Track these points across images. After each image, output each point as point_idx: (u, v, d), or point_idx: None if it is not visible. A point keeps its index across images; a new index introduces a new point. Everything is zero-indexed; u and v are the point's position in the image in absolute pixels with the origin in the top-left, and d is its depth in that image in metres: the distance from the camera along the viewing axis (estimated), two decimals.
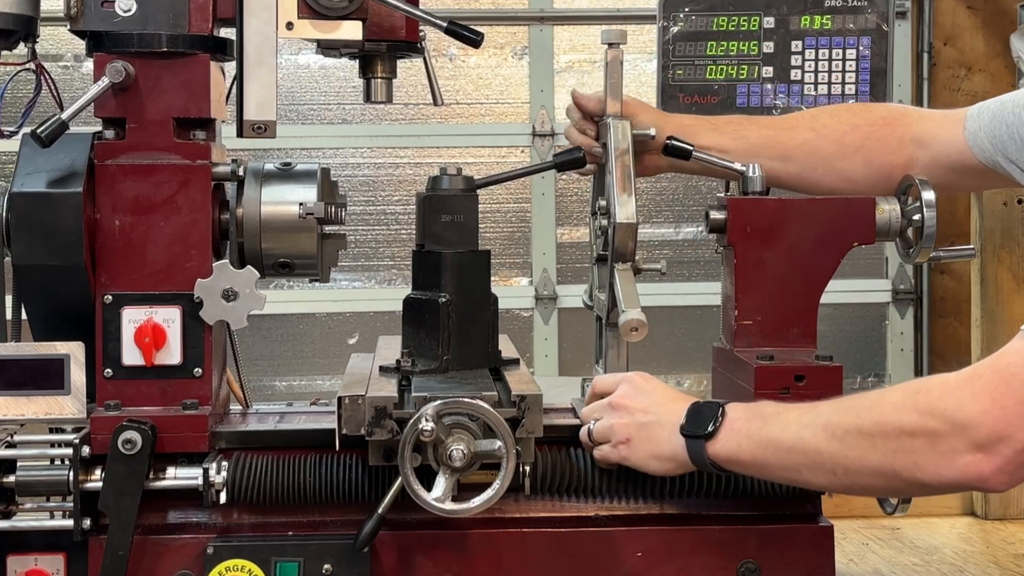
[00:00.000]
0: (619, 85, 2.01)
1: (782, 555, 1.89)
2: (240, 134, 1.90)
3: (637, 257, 1.95)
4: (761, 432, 1.71)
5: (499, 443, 1.75)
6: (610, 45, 2.00)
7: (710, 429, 1.74)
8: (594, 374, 2.11)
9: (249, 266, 1.92)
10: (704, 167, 2.09)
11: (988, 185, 2.18)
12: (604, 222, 1.98)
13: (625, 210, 1.90)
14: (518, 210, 5.20)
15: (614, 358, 1.99)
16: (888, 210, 2.03)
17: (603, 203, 1.99)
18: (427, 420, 1.73)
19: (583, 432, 1.88)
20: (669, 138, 2.10)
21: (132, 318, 1.89)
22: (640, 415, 1.82)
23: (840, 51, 2.03)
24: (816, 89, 2.04)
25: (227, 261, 1.92)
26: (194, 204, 1.90)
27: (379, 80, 2.06)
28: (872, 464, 1.59)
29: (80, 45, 1.98)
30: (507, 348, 2.10)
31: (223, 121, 2.02)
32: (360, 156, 5.19)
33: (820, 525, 1.92)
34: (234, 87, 1.92)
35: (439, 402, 1.75)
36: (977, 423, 1.50)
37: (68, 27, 1.90)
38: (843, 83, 2.04)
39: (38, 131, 1.82)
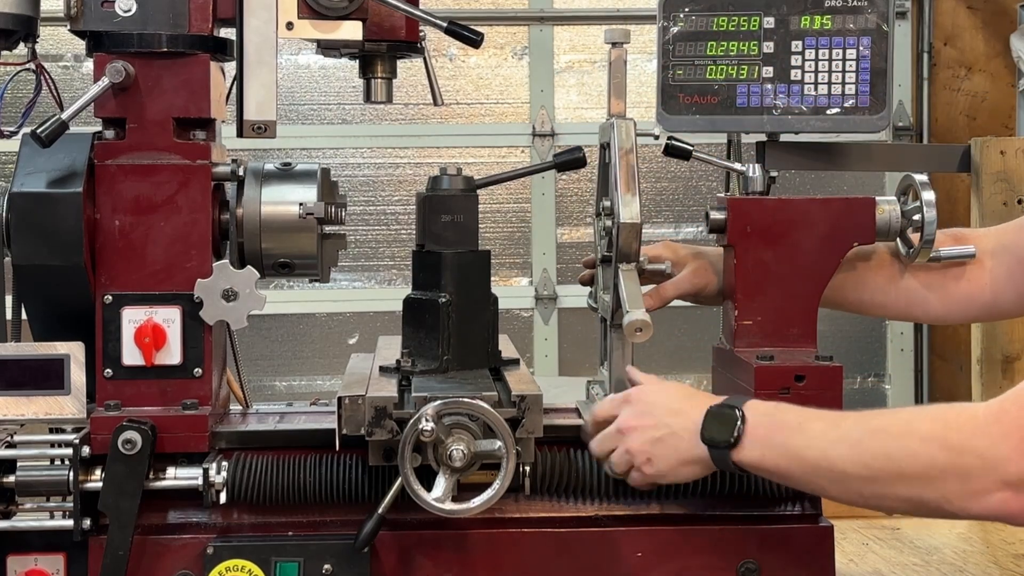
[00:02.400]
0: (623, 84, 2.00)
1: (782, 555, 1.89)
2: (240, 134, 1.89)
3: (642, 258, 1.95)
4: (786, 444, 1.69)
5: (499, 443, 1.75)
6: (613, 44, 2.00)
7: (732, 439, 1.72)
8: (599, 376, 2.11)
9: (249, 266, 1.91)
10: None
11: None
12: (608, 223, 1.98)
13: (629, 210, 1.90)
14: (518, 210, 5.20)
15: (619, 359, 1.98)
16: (888, 210, 2.03)
17: (607, 204, 1.99)
18: (427, 420, 1.73)
19: (607, 468, 1.86)
20: (670, 138, 2.10)
21: (132, 318, 1.89)
22: (652, 431, 1.79)
23: (840, 51, 2.03)
24: (816, 89, 2.03)
25: (227, 261, 1.92)
26: (194, 204, 1.90)
27: (379, 80, 2.06)
28: (900, 494, 1.59)
29: (80, 45, 1.98)
30: (507, 348, 2.10)
31: (223, 121, 2.02)
32: (360, 156, 5.19)
33: (820, 525, 1.92)
34: (234, 87, 1.92)
35: (439, 402, 1.75)
36: (1007, 461, 1.50)
37: (68, 27, 1.90)
38: (843, 83, 2.04)
39: (38, 131, 1.82)
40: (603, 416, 1.87)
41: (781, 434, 1.70)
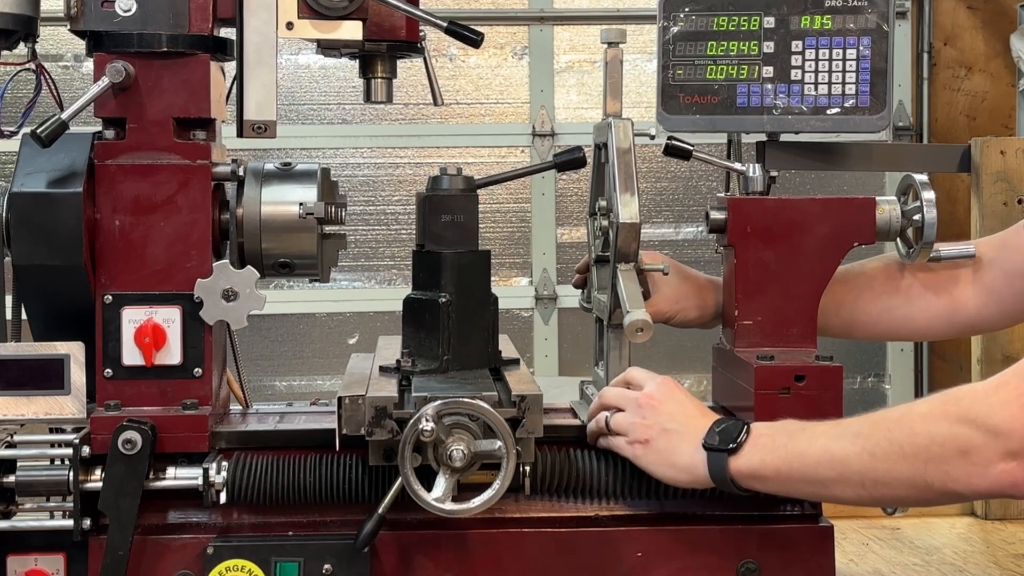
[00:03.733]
0: (619, 84, 2.01)
1: (782, 555, 1.89)
2: (240, 134, 1.89)
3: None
4: (787, 447, 1.70)
5: (499, 443, 1.75)
6: (609, 44, 2.00)
7: (734, 444, 1.73)
8: (594, 377, 2.10)
9: (249, 266, 1.91)
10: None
11: None
12: (604, 222, 1.98)
13: (628, 210, 1.90)
14: (518, 210, 5.20)
15: (616, 360, 1.98)
16: (888, 210, 2.03)
17: (603, 203, 1.99)
18: (427, 420, 1.73)
19: (600, 417, 1.87)
20: (670, 138, 2.10)
21: (132, 318, 1.89)
22: (666, 420, 1.81)
23: (840, 51, 2.03)
24: (816, 89, 2.04)
25: (227, 261, 1.92)
26: (194, 204, 1.90)
27: (379, 80, 2.06)
28: (903, 476, 1.57)
29: (80, 45, 1.98)
30: (507, 348, 2.10)
31: (223, 121, 2.02)
32: (360, 156, 5.19)
33: (820, 525, 1.92)
34: (234, 87, 1.92)
35: (439, 402, 1.75)
36: (1008, 430, 1.48)
37: (68, 27, 1.90)
38: (843, 83, 2.04)
39: (38, 131, 1.82)
40: (631, 379, 1.89)
41: (783, 438, 1.72)
